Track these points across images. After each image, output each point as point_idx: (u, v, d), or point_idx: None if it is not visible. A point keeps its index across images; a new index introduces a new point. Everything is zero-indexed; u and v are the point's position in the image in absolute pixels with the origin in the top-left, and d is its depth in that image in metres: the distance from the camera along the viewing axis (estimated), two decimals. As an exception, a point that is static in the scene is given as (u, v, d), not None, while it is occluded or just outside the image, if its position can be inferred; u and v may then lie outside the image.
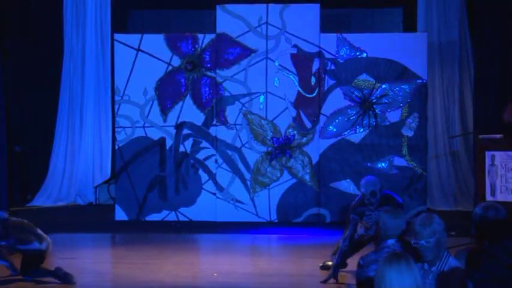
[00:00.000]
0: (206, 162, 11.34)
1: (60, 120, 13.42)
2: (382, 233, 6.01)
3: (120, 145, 11.41)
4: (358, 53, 11.21)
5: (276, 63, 11.26)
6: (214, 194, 11.31)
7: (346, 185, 11.22)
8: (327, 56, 11.22)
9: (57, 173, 13.36)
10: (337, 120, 11.22)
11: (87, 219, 11.86)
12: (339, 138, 11.23)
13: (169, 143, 11.36)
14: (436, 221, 4.81)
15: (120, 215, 11.34)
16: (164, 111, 11.36)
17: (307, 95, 11.24)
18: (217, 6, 11.35)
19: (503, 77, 12.07)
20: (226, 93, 11.30)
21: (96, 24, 13.40)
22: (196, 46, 11.33)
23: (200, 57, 11.32)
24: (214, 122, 11.32)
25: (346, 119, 11.21)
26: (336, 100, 11.21)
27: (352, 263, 7.13)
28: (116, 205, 11.44)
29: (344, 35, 11.28)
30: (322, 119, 11.24)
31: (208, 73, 11.34)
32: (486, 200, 9.11)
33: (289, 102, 11.25)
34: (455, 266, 4.52)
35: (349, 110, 11.21)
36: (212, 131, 11.33)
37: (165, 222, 11.23)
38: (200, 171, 11.34)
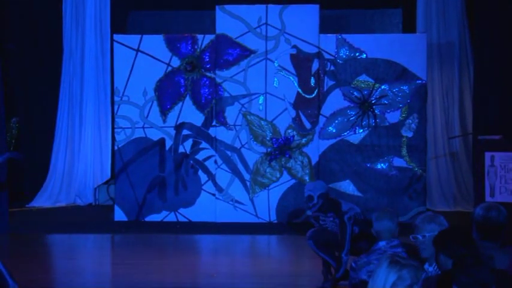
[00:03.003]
0: (206, 163, 11.34)
1: (59, 121, 13.41)
2: (373, 234, 6.01)
3: (120, 146, 11.41)
4: (357, 54, 11.21)
5: (276, 64, 11.27)
6: (213, 194, 11.31)
7: (346, 186, 11.23)
8: (327, 56, 11.22)
9: (57, 173, 13.36)
10: (336, 121, 11.23)
11: (86, 220, 11.85)
12: (339, 139, 11.23)
13: (168, 143, 11.36)
14: (439, 220, 4.81)
15: (120, 215, 11.34)
16: (164, 112, 11.36)
17: (307, 96, 11.24)
18: (217, 7, 11.35)
19: (503, 77, 12.07)
20: (226, 94, 11.30)
21: (95, 24, 13.39)
22: (196, 47, 11.33)
23: (200, 58, 11.32)
24: (214, 123, 11.32)
25: (345, 119, 11.22)
26: (335, 101, 11.21)
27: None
28: (116, 206, 11.44)
29: (343, 35, 11.28)
30: (322, 119, 11.24)
31: (208, 74, 11.34)
32: (485, 200, 9.12)
33: (288, 103, 11.25)
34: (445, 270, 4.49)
35: (348, 111, 11.22)
36: (212, 131, 11.33)
37: (164, 223, 11.22)
38: (200, 172, 11.35)
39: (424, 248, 4.75)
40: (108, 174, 13.41)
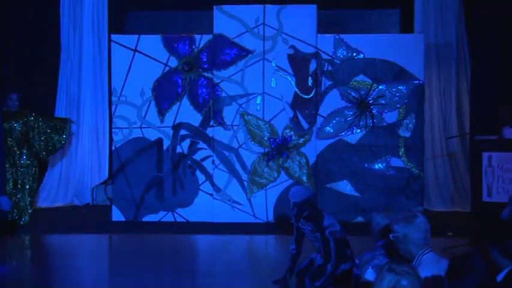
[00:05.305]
0: (203, 163, 11.34)
1: (57, 121, 13.40)
2: (376, 233, 6.01)
3: (117, 146, 11.40)
4: (355, 54, 11.22)
5: (273, 64, 11.27)
6: (211, 194, 11.30)
7: (343, 186, 11.23)
8: (324, 56, 11.23)
9: (55, 173, 13.35)
10: (334, 121, 11.23)
11: (84, 220, 11.85)
12: (336, 139, 11.24)
13: (166, 143, 11.36)
14: (412, 219, 4.78)
15: (117, 215, 11.33)
16: (161, 112, 11.36)
17: (304, 96, 11.24)
18: (215, 7, 11.35)
19: (500, 78, 12.08)
20: (223, 94, 11.30)
21: (93, 24, 13.39)
22: (193, 47, 11.33)
23: (197, 58, 11.32)
24: (211, 123, 11.32)
25: (343, 119, 11.22)
26: (332, 101, 11.22)
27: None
28: (113, 206, 11.43)
29: (341, 35, 11.29)
30: (319, 119, 11.25)
31: (205, 74, 11.33)
32: (483, 200, 9.15)
33: (286, 103, 11.26)
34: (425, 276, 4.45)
35: (346, 111, 11.22)
36: (209, 131, 11.33)
37: (162, 223, 11.22)
38: (197, 172, 11.34)
39: (396, 246, 4.78)
40: (105, 174, 13.40)
